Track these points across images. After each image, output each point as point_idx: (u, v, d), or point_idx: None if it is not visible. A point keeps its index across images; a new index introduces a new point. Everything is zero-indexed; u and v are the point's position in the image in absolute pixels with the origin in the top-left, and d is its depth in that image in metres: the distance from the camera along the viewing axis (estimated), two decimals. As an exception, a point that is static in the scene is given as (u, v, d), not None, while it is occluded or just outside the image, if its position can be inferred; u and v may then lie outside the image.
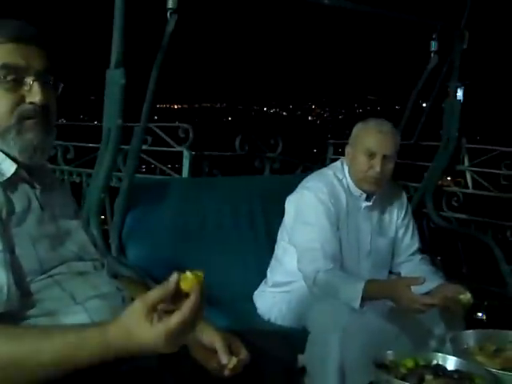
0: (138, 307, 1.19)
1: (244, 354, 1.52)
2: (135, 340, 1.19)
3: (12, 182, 1.46)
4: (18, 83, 1.44)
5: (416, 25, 3.77)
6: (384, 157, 2.64)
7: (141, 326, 1.17)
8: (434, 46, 3.68)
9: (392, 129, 2.71)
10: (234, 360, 1.48)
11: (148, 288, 1.84)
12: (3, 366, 1.21)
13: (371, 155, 2.65)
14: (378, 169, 2.63)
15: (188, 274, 1.20)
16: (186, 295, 1.19)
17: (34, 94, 1.44)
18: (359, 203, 2.77)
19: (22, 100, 1.44)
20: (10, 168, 1.45)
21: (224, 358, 1.48)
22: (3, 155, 1.46)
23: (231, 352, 1.51)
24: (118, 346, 1.20)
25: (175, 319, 1.17)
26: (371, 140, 2.66)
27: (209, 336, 1.54)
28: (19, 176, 1.48)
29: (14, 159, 1.46)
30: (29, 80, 1.44)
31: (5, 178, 1.44)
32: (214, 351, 1.52)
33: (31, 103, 1.44)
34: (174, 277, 1.19)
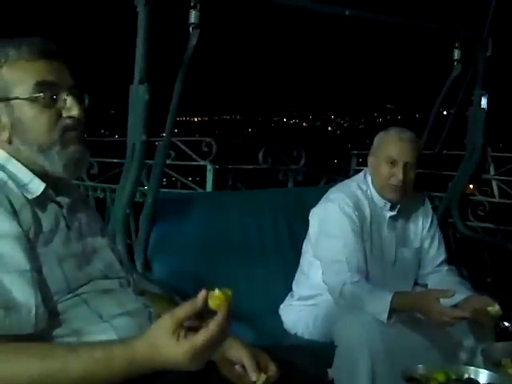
0: (165, 324, 1.20)
1: (273, 369, 1.51)
2: (161, 356, 1.20)
3: (40, 201, 1.46)
4: (52, 99, 1.45)
5: (438, 33, 3.74)
6: (405, 164, 2.63)
7: (168, 343, 1.18)
8: (456, 54, 3.65)
9: (413, 136, 2.71)
10: (263, 377, 1.47)
11: (174, 303, 1.83)
12: (35, 383, 1.21)
13: (393, 163, 2.64)
14: (400, 176, 2.63)
15: (217, 292, 1.20)
16: (213, 312, 1.19)
17: (71, 108, 1.46)
18: (383, 213, 2.75)
19: (59, 115, 1.46)
20: (38, 187, 1.46)
21: (253, 375, 1.47)
22: (32, 174, 1.46)
23: (260, 368, 1.50)
24: (143, 361, 1.21)
25: (201, 337, 1.17)
26: (392, 148, 2.65)
27: (237, 352, 1.53)
28: (47, 195, 1.48)
29: (42, 178, 1.47)
30: (63, 95, 1.46)
31: (34, 197, 1.44)
32: (243, 367, 1.51)
33: (70, 117, 1.46)
34: (202, 294, 1.19)
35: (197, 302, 1.19)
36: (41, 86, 1.44)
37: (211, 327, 1.17)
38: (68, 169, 1.47)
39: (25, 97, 1.44)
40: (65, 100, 1.46)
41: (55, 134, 1.45)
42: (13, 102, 1.45)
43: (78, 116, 1.46)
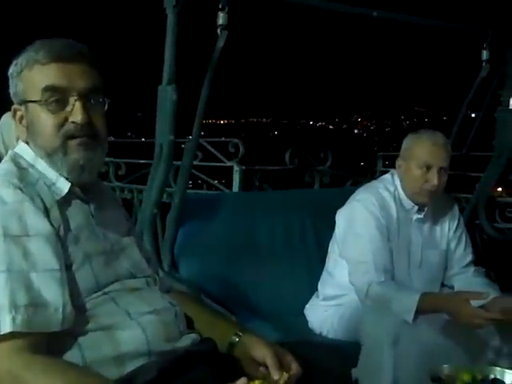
0: None
1: (295, 368, 1.50)
2: None
3: (67, 200, 1.48)
4: (61, 104, 1.46)
5: (466, 33, 3.70)
6: (440, 169, 2.62)
7: None
8: (485, 55, 3.61)
9: (445, 140, 2.68)
10: (285, 376, 1.46)
11: (200, 302, 1.85)
12: None
13: (427, 168, 2.62)
14: (435, 182, 2.61)
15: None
16: None
17: (76, 113, 1.45)
18: (410, 215, 2.74)
19: (65, 120, 1.46)
20: (65, 186, 1.48)
21: (275, 374, 1.47)
22: (57, 174, 1.48)
23: (283, 367, 1.50)
24: None
25: None
26: (426, 153, 2.63)
27: (260, 351, 1.53)
28: (73, 193, 1.50)
29: (66, 177, 1.49)
30: (71, 100, 1.46)
31: (60, 197, 1.47)
32: (266, 366, 1.52)
33: (73, 122, 1.45)
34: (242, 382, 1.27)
35: None
36: (48, 90, 1.45)
37: None
38: (72, 175, 1.48)
39: (35, 100, 1.46)
40: (73, 105, 1.45)
41: (58, 140, 1.45)
42: (29, 104, 1.48)
43: (81, 121, 1.45)
